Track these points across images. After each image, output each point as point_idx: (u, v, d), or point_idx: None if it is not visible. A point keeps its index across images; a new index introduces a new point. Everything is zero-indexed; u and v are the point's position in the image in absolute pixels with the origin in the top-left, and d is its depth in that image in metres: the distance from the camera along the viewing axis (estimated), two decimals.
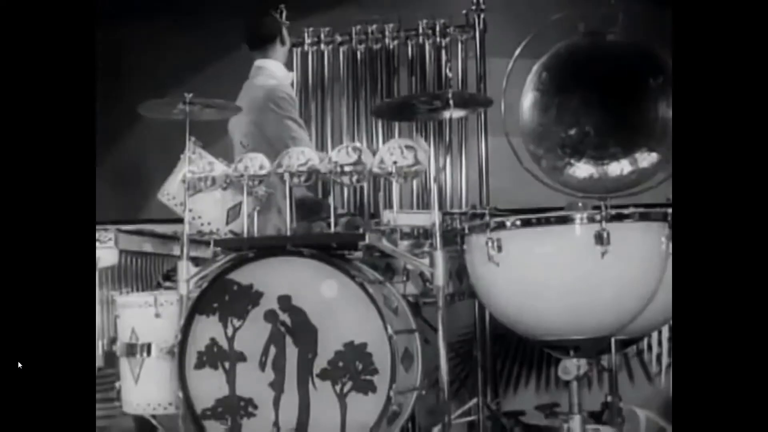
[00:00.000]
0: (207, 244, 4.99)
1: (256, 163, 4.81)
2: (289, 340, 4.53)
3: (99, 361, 5.12)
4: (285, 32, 5.91)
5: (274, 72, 5.86)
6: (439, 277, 4.50)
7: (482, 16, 6.17)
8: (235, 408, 4.57)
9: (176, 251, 5.36)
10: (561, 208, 4.73)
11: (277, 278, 4.58)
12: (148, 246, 5.40)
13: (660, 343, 6.09)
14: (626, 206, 4.58)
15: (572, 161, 5.51)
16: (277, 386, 4.53)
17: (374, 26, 6.40)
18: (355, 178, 4.72)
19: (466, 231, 4.66)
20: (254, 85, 5.79)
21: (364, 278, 4.51)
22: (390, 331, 4.37)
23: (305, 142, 5.71)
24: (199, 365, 4.62)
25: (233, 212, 4.92)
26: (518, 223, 4.45)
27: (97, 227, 4.90)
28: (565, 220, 4.40)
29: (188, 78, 6.85)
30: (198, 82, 6.16)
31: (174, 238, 5.48)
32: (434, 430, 4.92)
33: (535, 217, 4.43)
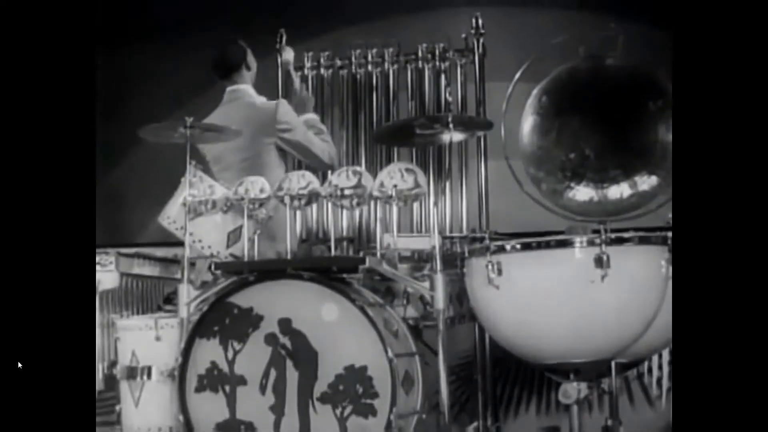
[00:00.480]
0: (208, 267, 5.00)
1: (257, 186, 4.82)
2: (289, 363, 4.53)
3: (99, 384, 5.14)
4: (250, 58, 5.92)
5: (253, 94, 5.87)
6: (440, 300, 4.51)
7: (481, 40, 6.17)
8: None
9: (177, 274, 5.35)
10: (561, 232, 4.74)
11: (277, 301, 4.58)
12: (148, 269, 5.41)
13: (660, 367, 6.08)
14: (626, 230, 4.59)
15: (572, 184, 5.51)
16: (278, 410, 4.52)
17: (374, 50, 6.40)
18: (355, 201, 4.73)
19: (466, 254, 4.66)
20: (240, 106, 5.78)
21: (364, 301, 4.52)
22: (390, 354, 4.37)
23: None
24: (200, 388, 4.62)
25: (234, 235, 4.93)
26: (518, 246, 4.46)
27: (98, 250, 4.91)
28: (565, 244, 4.41)
29: (188, 101, 6.86)
30: (198, 104, 6.16)
31: (175, 261, 5.48)
32: None
33: (535, 240, 4.44)
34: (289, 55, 6.21)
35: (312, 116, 5.96)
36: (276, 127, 5.65)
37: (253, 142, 5.59)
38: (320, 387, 4.48)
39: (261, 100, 5.85)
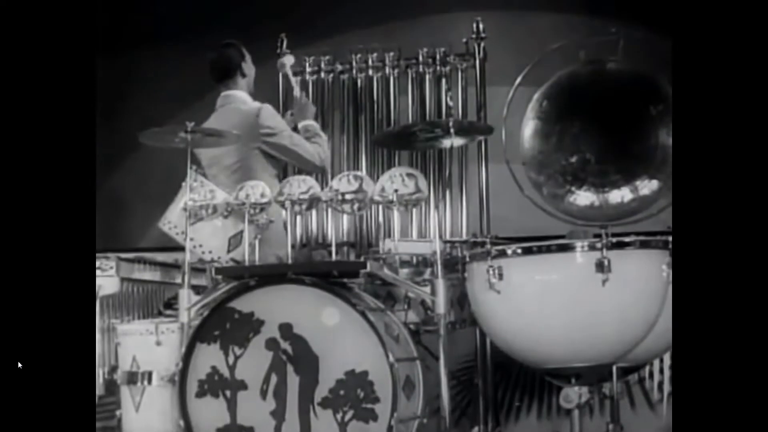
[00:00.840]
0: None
1: (258, 191, 4.82)
2: (290, 368, 4.52)
3: (100, 390, 5.12)
4: (246, 66, 5.90)
5: (245, 99, 5.85)
6: (440, 304, 4.51)
7: (482, 44, 6.17)
8: None
9: (177, 279, 5.35)
10: (562, 236, 4.74)
11: (278, 306, 4.58)
12: (149, 274, 5.41)
13: (661, 371, 6.08)
14: (627, 234, 4.59)
15: (573, 189, 5.52)
16: (279, 415, 4.52)
17: (374, 55, 6.40)
18: (356, 206, 4.73)
19: (467, 259, 4.66)
20: (230, 111, 5.76)
21: (365, 306, 4.52)
22: (391, 358, 4.37)
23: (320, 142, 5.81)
24: (201, 394, 4.62)
25: (234, 240, 4.92)
26: (519, 251, 4.46)
27: (98, 255, 4.91)
28: (566, 248, 4.41)
29: (189, 105, 6.86)
30: (199, 109, 6.16)
31: (175, 266, 5.48)
32: None
33: (536, 245, 4.44)
34: (288, 60, 6.18)
35: (310, 122, 5.92)
36: (258, 132, 5.62)
37: (239, 148, 5.57)
38: (321, 392, 4.48)
39: (250, 106, 5.82)
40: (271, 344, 4.55)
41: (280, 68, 6.22)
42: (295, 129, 5.85)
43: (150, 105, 7.26)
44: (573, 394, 4.46)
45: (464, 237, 5.88)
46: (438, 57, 6.29)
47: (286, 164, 5.93)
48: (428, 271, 4.89)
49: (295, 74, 6.33)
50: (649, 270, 4.45)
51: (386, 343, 4.40)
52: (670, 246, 4.41)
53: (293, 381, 4.52)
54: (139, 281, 5.35)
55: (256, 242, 4.81)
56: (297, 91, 6.12)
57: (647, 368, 6.00)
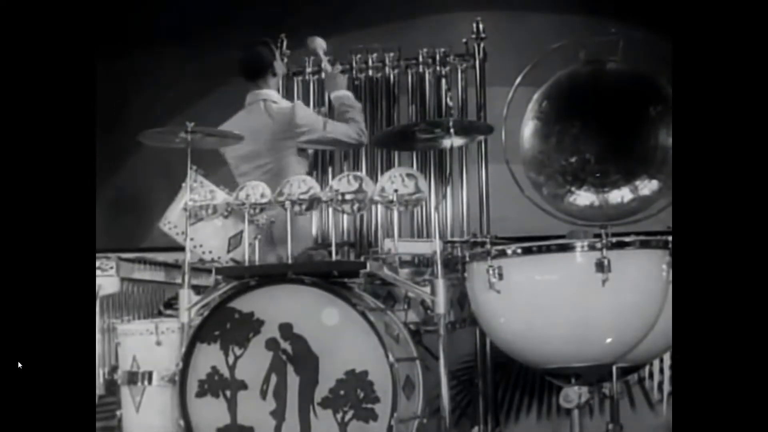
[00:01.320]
0: (208, 272, 4.99)
1: (258, 191, 4.82)
2: (290, 368, 4.52)
3: (100, 390, 5.12)
4: (276, 64, 5.92)
5: (276, 98, 5.87)
6: (440, 304, 4.51)
7: (482, 44, 6.16)
8: None
9: (178, 279, 5.34)
10: (562, 236, 4.74)
11: (278, 306, 4.58)
12: (149, 274, 5.41)
13: (661, 371, 6.08)
14: (627, 234, 4.59)
15: (573, 189, 5.51)
16: (279, 415, 4.52)
17: (374, 55, 6.39)
18: (356, 206, 4.73)
19: (467, 259, 4.66)
20: (261, 109, 5.78)
21: (365, 306, 4.52)
22: (391, 358, 4.37)
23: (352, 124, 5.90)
24: (201, 393, 4.62)
25: (234, 240, 4.93)
26: (519, 250, 4.46)
27: (99, 255, 4.91)
28: (566, 248, 4.41)
29: (190, 106, 6.86)
30: (200, 110, 6.17)
31: (176, 266, 5.48)
32: None
33: (536, 245, 4.44)
34: (322, 43, 6.19)
35: (344, 93, 5.98)
36: (295, 131, 5.66)
37: (271, 148, 5.61)
38: (321, 392, 4.48)
39: (282, 105, 5.84)
40: (271, 344, 4.55)
41: (310, 43, 6.22)
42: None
43: (150, 105, 7.26)
44: (573, 394, 4.46)
45: (464, 237, 5.87)
46: (438, 57, 6.28)
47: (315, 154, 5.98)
48: (428, 271, 4.89)
49: (295, 74, 6.35)
50: (649, 270, 4.45)
51: (386, 343, 4.40)
52: (670, 246, 4.41)
53: (293, 381, 4.52)
54: (139, 281, 5.35)
55: (256, 242, 4.81)
56: (327, 66, 6.14)
57: (647, 368, 6.00)
